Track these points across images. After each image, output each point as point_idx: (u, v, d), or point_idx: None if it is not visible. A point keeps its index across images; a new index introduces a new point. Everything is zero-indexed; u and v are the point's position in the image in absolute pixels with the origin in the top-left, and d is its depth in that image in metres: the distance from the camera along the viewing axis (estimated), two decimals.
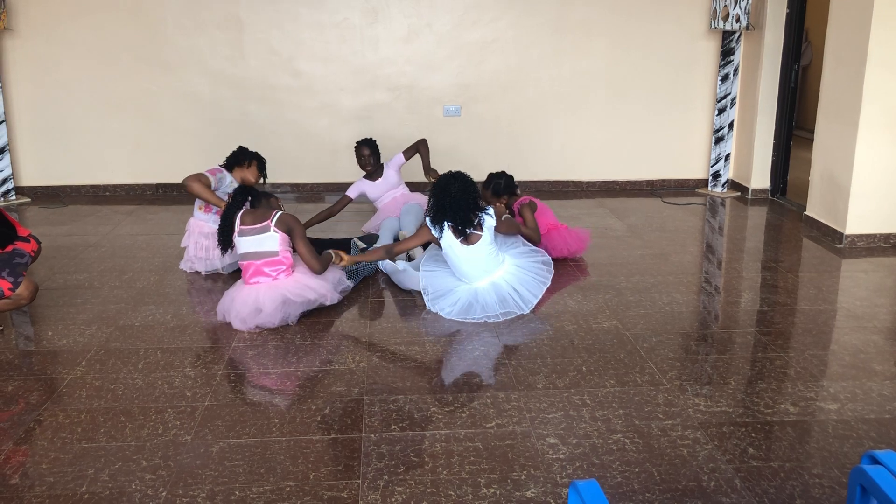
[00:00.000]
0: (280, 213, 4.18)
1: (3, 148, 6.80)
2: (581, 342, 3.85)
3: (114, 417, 3.10)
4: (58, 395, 3.29)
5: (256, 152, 5.25)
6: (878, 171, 5.41)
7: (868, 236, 5.51)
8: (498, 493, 2.61)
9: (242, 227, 4.15)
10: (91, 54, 6.94)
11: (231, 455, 2.83)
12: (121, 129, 7.13)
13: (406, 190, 5.85)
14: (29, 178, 7.13)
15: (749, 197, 7.12)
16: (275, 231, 4.10)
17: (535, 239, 4.82)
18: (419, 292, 4.41)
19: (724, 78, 7.15)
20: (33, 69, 6.92)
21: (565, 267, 5.00)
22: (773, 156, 7.05)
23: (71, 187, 7.23)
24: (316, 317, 4.19)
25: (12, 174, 6.92)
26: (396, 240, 5.10)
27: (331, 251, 4.29)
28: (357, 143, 5.76)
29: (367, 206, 6.52)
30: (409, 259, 4.93)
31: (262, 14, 6.98)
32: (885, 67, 5.22)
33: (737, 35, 7.03)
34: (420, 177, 6.12)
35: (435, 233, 4.22)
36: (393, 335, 3.96)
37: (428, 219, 4.26)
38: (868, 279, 4.87)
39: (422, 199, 5.63)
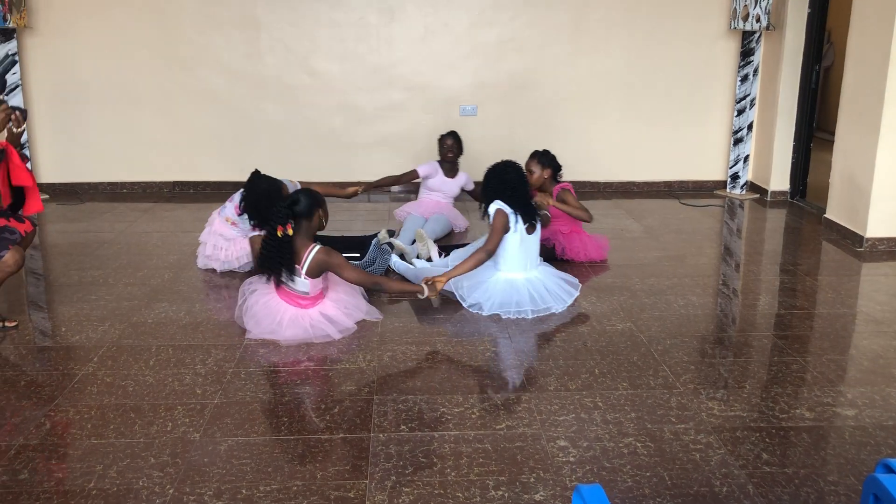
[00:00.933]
0: (313, 253, 3.84)
1: (23, 145, 6.84)
2: (594, 344, 3.81)
3: (123, 414, 3.10)
4: (69, 391, 3.29)
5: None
6: None
7: (889, 240, 5.42)
8: (506, 495, 2.58)
9: None
10: (109, 52, 6.98)
11: (239, 453, 2.82)
12: (138, 127, 7.17)
13: (451, 203, 5.99)
14: (47, 175, 7.18)
15: (768, 199, 7.04)
16: (305, 278, 3.88)
17: (585, 217, 4.95)
18: None
19: (744, 78, 7.07)
20: (52, 67, 6.98)
21: (580, 268, 4.96)
22: (793, 157, 6.96)
23: (89, 184, 7.27)
24: None
25: (31, 171, 6.96)
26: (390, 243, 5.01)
27: (421, 284, 4.05)
28: (442, 135, 5.98)
29: (382, 206, 6.51)
30: (423, 258, 4.92)
31: (279, 13, 6.99)
32: None
33: (757, 35, 6.95)
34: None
35: (511, 218, 4.28)
36: (404, 334, 3.94)
37: (498, 203, 4.29)
38: (888, 283, 4.79)
39: (452, 215, 5.89)
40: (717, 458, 2.80)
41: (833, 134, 5.98)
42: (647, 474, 2.70)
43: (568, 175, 7.41)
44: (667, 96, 7.31)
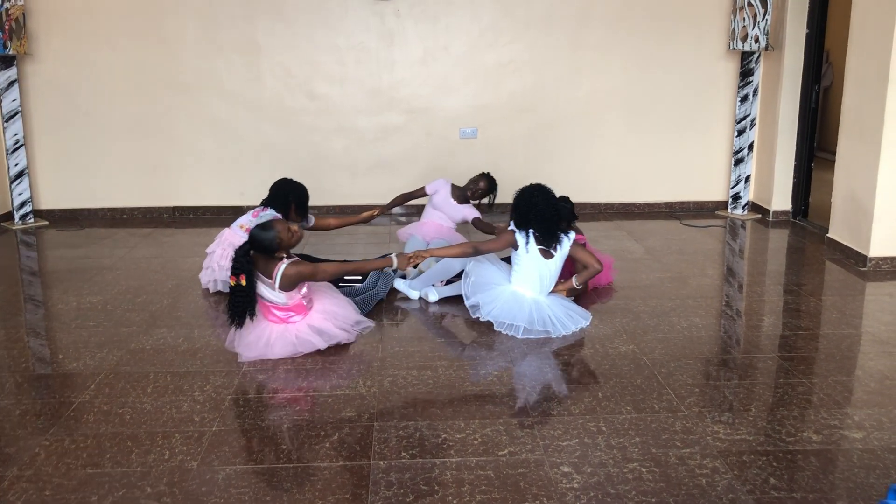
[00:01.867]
0: (283, 267, 3.85)
1: (23, 172, 6.85)
2: (597, 367, 3.77)
3: (120, 443, 3.05)
4: (65, 419, 3.25)
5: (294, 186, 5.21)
6: None
7: (893, 259, 5.39)
8: None
9: (257, 269, 3.94)
10: (109, 77, 6.99)
11: (237, 482, 2.77)
12: (138, 152, 7.17)
13: (453, 228, 5.84)
14: (47, 202, 7.18)
15: (770, 219, 7.01)
16: (280, 291, 3.90)
17: (598, 268, 4.53)
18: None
19: (744, 99, 7.08)
20: (52, 93, 6.99)
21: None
22: (795, 177, 6.95)
23: (88, 210, 7.26)
24: None
25: (31, 197, 6.96)
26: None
27: (391, 256, 4.27)
28: (482, 173, 5.82)
29: (383, 229, 6.49)
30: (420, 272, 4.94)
31: (279, 37, 7.01)
32: None
33: (756, 56, 6.96)
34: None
35: (520, 238, 4.31)
36: (405, 359, 3.89)
37: (513, 223, 4.36)
38: (893, 302, 4.75)
39: (454, 239, 5.65)
40: (724, 483, 2.75)
41: (834, 153, 5.96)
42: (653, 500, 2.65)
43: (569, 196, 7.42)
44: (667, 117, 7.31)
